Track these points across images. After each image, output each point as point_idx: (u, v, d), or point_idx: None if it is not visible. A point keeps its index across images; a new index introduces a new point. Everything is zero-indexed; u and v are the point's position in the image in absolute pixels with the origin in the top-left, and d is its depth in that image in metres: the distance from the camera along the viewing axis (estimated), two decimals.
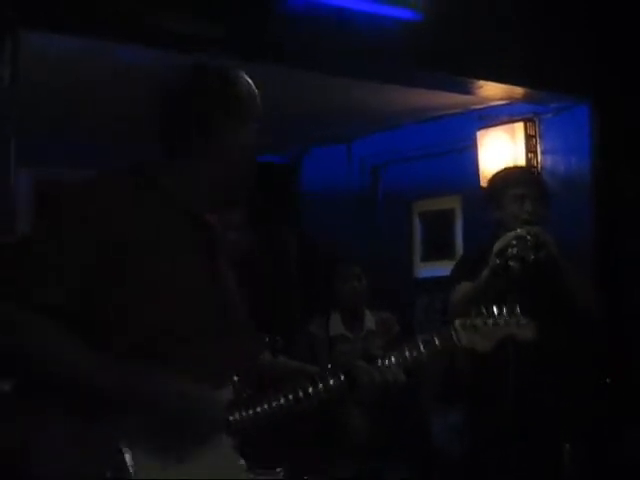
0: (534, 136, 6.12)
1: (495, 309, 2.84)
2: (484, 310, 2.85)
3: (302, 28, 4.74)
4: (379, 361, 2.60)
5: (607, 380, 4.54)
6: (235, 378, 2.35)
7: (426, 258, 7.20)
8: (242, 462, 2.38)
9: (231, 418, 2.34)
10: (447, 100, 6.22)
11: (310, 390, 2.47)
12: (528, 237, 4.15)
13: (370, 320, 5.74)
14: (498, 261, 4.15)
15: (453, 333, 2.77)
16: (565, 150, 6.01)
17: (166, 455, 2.18)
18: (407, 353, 2.65)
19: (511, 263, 4.13)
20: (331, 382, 2.51)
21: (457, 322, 2.79)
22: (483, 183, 6.13)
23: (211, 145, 2.34)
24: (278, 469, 3.67)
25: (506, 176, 4.65)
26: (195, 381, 2.21)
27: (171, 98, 2.35)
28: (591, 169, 5.84)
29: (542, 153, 6.10)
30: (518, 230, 4.19)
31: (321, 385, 2.49)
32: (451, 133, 6.64)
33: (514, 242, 4.14)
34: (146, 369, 2.15)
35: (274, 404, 2.42)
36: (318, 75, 5.43)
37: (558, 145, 6.04)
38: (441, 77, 5.49)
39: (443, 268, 6.32)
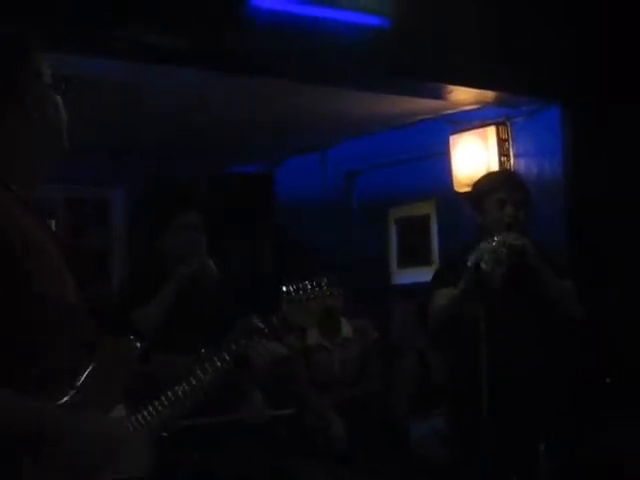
0: (506, 140, 6.13)
1: (307, 283, 2.95)
2: (298, 285, 2.95)
3: (270, 37, 4.73)
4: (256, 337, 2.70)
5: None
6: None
7: (403, 264, 7.21)
8: None
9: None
10: (419, 106, 6.22)
11: (202, 376, 2.49)
12: (502, 249, 4.16)
13: (346, 328, 5.73)
14: (472, 273, 4.17)
15: (285, 312, 2.86)
16: (537, 153, 6.02)
17: None
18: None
19: (486, 270, 4.14)
20: (219, 364, 2.54)
21: (284, 297, 2.87)
22: (457, 188, 6.15)
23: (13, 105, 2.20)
24: None
25: (488, 181, 4.68)
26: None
27: None
28: (563, 171, 5.85)
29: (515, 156, 6.11)
30: (494, 240, 4.20)
31: (211, 369, 2.51)
32: (424, 138, 6.64)
33: (486, 256, 4.15)
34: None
35: (173, 400, 2.43)
36: (290, 84, 5.43)
37: (530, 148, 6.06)
38: (412, 83, 5.50)
39: (420, 274, 6.34)
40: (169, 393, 2.47)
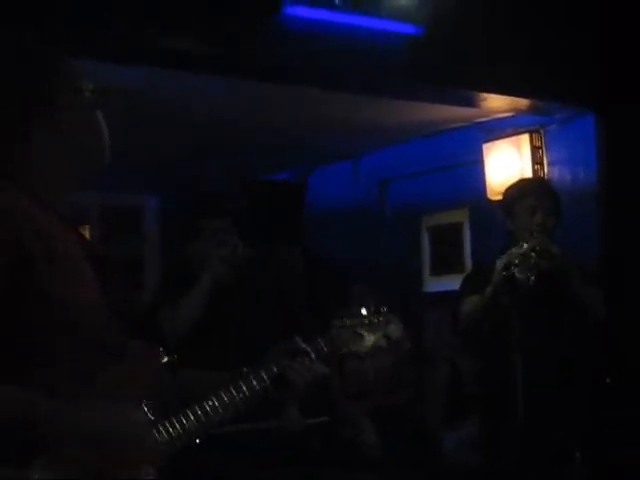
0: (540, 147, 6.10)
1: (364, 310, 2.85)
2: (354, 310, 2.86)
3: (304, 45, 4.73)
4: (299, 358, 2.64)
5: (607, 380, 4.52)
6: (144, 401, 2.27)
7: (435, 272, 7.18)
8: None
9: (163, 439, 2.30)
10: (452, 114, 6.21)
11: (235, 395, 2.47)
12: (532, 254, 4.15)
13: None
14: (501, 277, 4.16)
15: (335, 336, 2.77)
16: (571, 161, 5.98)
17: None
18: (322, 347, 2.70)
19: (517, 275, 4.13)
20: (255, 385, 2.52)
21: (337, 323, 2.79)
22: (490, 196, 6.13)
23: (46, 122, 2.23)
24: None
25: (518, 187, 4.67)
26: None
27: None
28: (597, 179, 5.82)
29: (548, 164, 6.08)
30: (524, 245, 4.20)
31: (245, 388, 2.49)
32: (457, 146, 6.63)
33: (516, 261, 4.14)
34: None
35: (202, 416, 2.40)
36: (322, 92, 5.44)
37: (564, 156, 6.02)
38: (445, 91, 5.48)
39: (452, 282, 6.30)
40: (197, 406, 2.45)
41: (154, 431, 2.29)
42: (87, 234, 7.56)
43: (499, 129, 6.28)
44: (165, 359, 2.31)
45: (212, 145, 6.71)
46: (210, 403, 2.45)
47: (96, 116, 2.32)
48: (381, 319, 2.82)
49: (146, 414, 2.26)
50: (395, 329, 2.86)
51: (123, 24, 4.21)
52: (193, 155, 6.94)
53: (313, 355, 2.67)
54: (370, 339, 2.79)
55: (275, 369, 2.59)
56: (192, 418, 2.40)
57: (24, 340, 2.08)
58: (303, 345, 2.68)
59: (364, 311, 2.82)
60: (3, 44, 2.27)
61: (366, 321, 2.79)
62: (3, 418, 1.99)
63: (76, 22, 4.06)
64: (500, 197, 5.15)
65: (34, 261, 2.07)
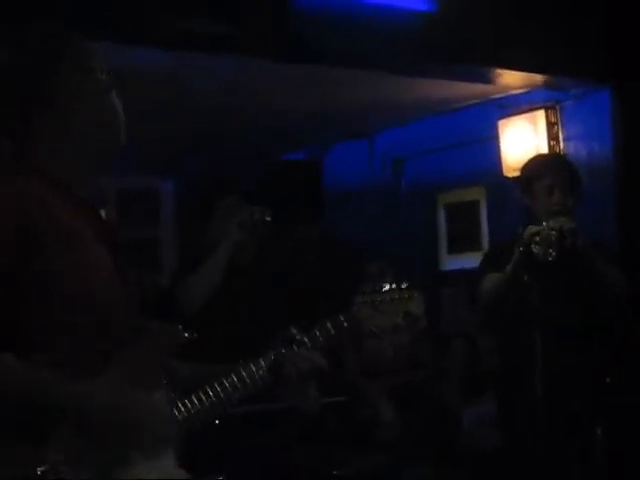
0: (556, 123, 6.07)
1: (386, 285, 2.82)
2: (375, 286, 2.83)
3: (317, 24, 4.72)
4: (295, 347, 2.64)
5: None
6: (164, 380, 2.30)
7: (452, 250, 7.17)
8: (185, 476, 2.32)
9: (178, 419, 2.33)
10: (466, 90, 6.19)
11: (236, 383, 2.50)
12: (552, 232, 4.13)
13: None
14: (522, 254, 4.15)
15: (357, 312, 2.75)
16: (587, 136, 5.95)
17: (107, 467, 2.09)
18: (319, 336, 2.69)
19: (536, 251, 4.12)
20: (255, 373, 2.55)
21: (358, 299, 2.77)
22: (506, 172, 6.11)
23: (59, 104, 2.24)
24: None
25: (536, 165, 4.63)
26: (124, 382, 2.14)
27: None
28: (613, 154, 5.79)
29: (564, 140, 6.05)
30: (543, 224, 4.18)
31: (246, 376, 2.51)
32: (472, 124, 6.60)
33: (537, 238, 4.13)
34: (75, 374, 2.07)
35: (206, 402, 2.43)
36: (336, 71, 5.42)
37: (580, 131, 6.00)
38: (459, 67, 5.45)
39: (469, 260, 6.31)
40: (201, 392, 2.48)
41: (173, 409, 2.31)
42: (104, 217, 7.58)
43: (514, 105, 6.25)
44: (185, 336, 2.32)
45: (227, 128, 6.71)
46: (216, 390, 2.48)
47: (110, 98, 2.32)
48: (404, 295, 2.80)
49: (166, 392, 2.28)
50: (417, 305, 2.84)
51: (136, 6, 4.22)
52: (208, 138, 6.94)
53: (309, 344, 2.68)
54: (391, 315, 2.77)
55: (273, 357, 2.61)
56: (196, 402, 2.43)
57: (35, 319, 2.09)
58: (298, 335, 2.69)
59: (387, 287, 2.80)
60: (13, 29, 2.29)
61: (387, 297, 2.77)
62: (18, 396, 2.01)
63: (92, 5, 4.07)
64: (516, 174, 5.12)
65: (43, 242, 2.09)
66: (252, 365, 2.58)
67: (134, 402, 2.14)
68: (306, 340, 2.68)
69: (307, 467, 4.08)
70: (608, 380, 4.38)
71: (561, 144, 6.06)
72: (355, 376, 5.61)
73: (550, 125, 6.06)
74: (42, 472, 2.00)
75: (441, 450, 5.34)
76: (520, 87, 6.04)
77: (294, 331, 2.71)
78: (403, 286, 2.82)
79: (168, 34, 4.43)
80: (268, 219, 4.31)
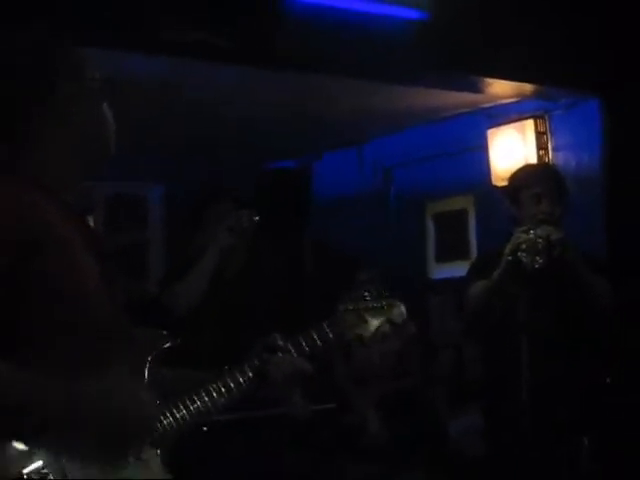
0: (544, 133, 6.10)
1: (367, 293, 2.85)
2: (358, 295, 2.86)
3: (308, 32, 4.73)
4: (280, 354, 2.65)
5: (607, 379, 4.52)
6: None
7: (440, 259, 7.18)
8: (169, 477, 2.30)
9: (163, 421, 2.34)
10: (456, 99, 6.20)
11: (222, 389, 2.51)
12: (539, 240, 4.14)
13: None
14: (508, 261, 4.16)
15: (340, 320, 2.78)
16: (576, 146, 5.98)
17: (96, 468, 2.07)
18: (303, 343, 2.70)
19: (524, 260, 4.13)
20: (241, 380, 2.55)
21: (342, 307, 2.80)
22: (495, 182, 6.12)
23: (49, 111, 2.23)
24: None
25: (523, 175, 4.65)
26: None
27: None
28: (602, 164, 5.81)
29: (553, 150, 6.07)
30: (530, 232, 4.19)
31: (231, 382, 2.52)
32: (461, 132, 6.61)
33: (523, 246, 4.14)
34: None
35: (192, 408, 2.44)
36: (326, 79, 5.43)
37: (569, 141, 6.02)
38: (449, 76, 5.47)
39: (458, 268, 6.30)
40: (186, 398, 2.48)
41: (160, 411, 2.32)
42: (92, 223, 7.57)
43: (504, 114, 6.27)
44: (169, 344, 2.32)
45: (216, 135, 6.71)
46: (198, 399, 2.48)
47: (102, 105, 2.32)
48: (384, 304, 2.83)
49: (152, 397, 2.27)
50: (399, 313, 2.87)
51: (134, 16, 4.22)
52: (198, 145, 6.93)
53: (293, 351, 2.69)
54: (374, 323, 2.80)
55: (257, 362, 2.62)
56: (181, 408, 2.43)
57: (26, 325, 2.09)
58: (281, 342, 2.71)
59: (368, 295, 2.83)
60: (5, 34, 2.28)
61: (370, 305, 2.80)
62: (9, 400, 2.00)
63: (90, 12, 4.07)
64: (505, 183, 5.14)
65: (42, 243, 2.09)
66: (236, 371, 2.59)
67: (125, 404, 2.13)
68: (290, 347, 2.70)
69: (298, 474, 4.08)
70: (608, 380, 4.40)
71: (550, 154, 6.08)
72: (344, 383, 5.60)
73: (539, 135, 6.08)
74: (27, 474, 1.99)
75: (432, 456, 5.33)
76: (509, 97, 6.06)
77: (278, 338, 2.72)
78: (384, 294, 2.85)
79: (165, 42, 4.43)
80: (256, 218, 4.32)
